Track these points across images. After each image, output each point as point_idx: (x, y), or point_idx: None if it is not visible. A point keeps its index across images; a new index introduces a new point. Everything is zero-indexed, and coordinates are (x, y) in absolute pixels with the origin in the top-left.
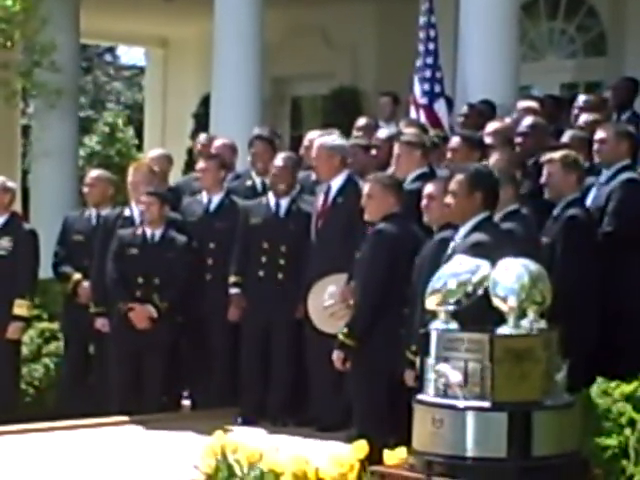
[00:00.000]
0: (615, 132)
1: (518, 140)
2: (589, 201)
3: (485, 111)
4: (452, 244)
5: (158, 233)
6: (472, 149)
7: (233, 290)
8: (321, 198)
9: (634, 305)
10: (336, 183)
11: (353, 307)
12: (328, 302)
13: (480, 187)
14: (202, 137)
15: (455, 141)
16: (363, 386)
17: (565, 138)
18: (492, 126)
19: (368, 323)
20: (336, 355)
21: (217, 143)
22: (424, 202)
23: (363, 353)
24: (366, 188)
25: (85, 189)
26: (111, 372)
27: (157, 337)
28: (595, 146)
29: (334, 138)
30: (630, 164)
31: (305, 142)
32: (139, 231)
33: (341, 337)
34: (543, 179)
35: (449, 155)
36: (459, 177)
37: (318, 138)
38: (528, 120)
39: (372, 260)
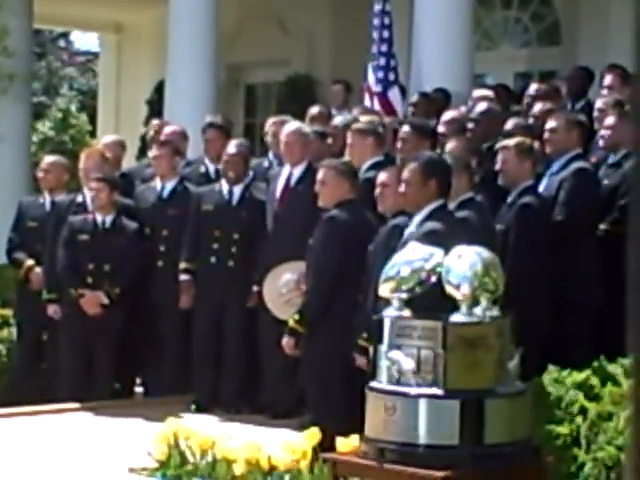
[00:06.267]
0: (566, 121)
1: (470, 126)
2: (540, 190)
3: (437, 99)
4: (406, 232)
5: (109, 219)
6: (422, 138)
7: (183, 276)
8: (281, 184)
9: (585, 293)
10: (297, 170)
11: (305, 293)
12: (283, 289)
13: (434, 175)
14: (154, 123)
15: (405, 130)
16: (315, 373)
17: (508, 126)
18: (448, 115)
19: (320, 309)
20: (286, 341)
21: (167, 130)
22: (377, 190)
23: (315, 339)
24: (320, 174)
25: (40, 174)
26: (62, 359)
27: (108, 324)
28: (546, 135)
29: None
30: (581, 153)
31: (267, 128)
32: (89, 217)
33: (291, 323)
34: (498, 166)
35: (399, 144)
36: (412, 165)
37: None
38: (481, 106)
39: (325, 246)
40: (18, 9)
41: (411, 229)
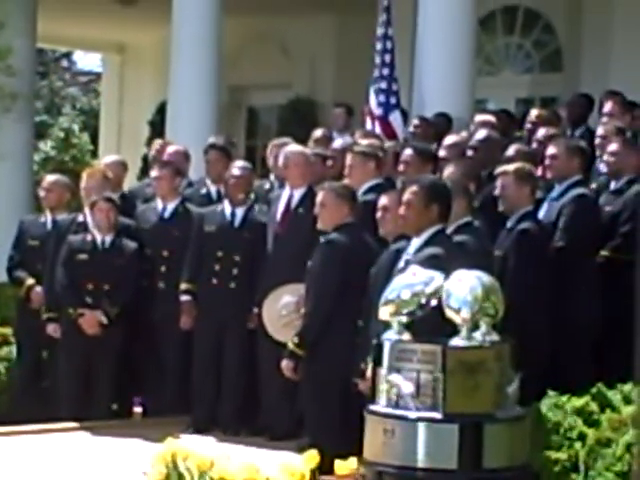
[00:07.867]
0: (566, 147)
1: (470, 153)
2: (540, 216)
3: (438, 124)
4: (404, 256)
5: (108, 239)
6: (425, 162)
7: (184, 297)
8: (281, 207)
9: (584, 319)
10: (298, 193)
11: (304, 316)
12: (283, 312)
13: (437, 200)
14: (157, 142)
15: (407, 154)
16: (314, 395)
17: (510, 152)
18: (449, 139)
19: (318, 333)
20: (285, 364)
21: (170, 150)
22: (379, 214)
23: (314, 362)
24: (319, 197)
25: (42, 193)
26: (61, 378)
27: (107, 343)
28: (547, 161)
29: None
30: (582, 179)
31: (268, 150)
32: (89, 237)
33: (291, 346)
34: (497, 191)
35: (401, 168)
36: (414, 188)
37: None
38: (481, 133)
39: (323, 270)
40: (22, 29)
41: (409, 253)
